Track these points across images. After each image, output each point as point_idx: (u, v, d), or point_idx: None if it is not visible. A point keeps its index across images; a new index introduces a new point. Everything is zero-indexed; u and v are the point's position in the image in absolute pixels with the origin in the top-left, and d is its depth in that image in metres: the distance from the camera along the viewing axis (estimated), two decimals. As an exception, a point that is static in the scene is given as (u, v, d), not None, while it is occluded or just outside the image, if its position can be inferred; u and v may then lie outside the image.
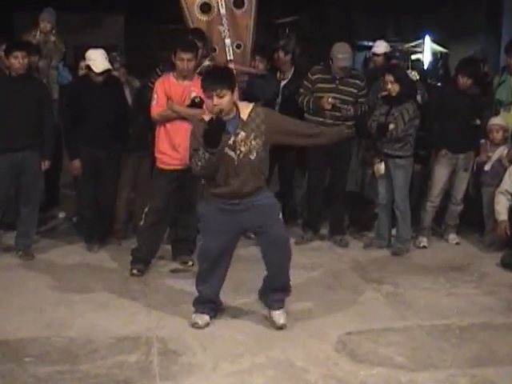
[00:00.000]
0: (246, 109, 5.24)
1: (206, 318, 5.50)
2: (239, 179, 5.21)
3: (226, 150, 5.16)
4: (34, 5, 8.69)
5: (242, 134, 5.13)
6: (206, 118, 5.16)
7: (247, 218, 5.32)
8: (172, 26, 7.87)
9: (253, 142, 5.17)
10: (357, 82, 7.47)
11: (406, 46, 22.51)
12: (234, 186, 5.22)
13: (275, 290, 5.59)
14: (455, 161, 7.62)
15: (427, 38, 23.80)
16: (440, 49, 23.04)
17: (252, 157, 5.18)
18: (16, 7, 18.49)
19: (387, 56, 8.55)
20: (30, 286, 6.27)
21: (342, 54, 7.31)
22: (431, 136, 7.70)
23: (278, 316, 5.50)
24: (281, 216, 5.48)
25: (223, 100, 5.09)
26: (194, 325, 5.42)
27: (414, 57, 22.26)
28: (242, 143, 5.14)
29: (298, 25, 27.12)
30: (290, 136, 5.50)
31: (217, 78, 5.22)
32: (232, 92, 5.15)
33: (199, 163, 5.05)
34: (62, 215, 8.48)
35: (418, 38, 24.14)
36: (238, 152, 5.15)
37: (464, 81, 7.48)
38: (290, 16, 27.96)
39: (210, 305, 5.57)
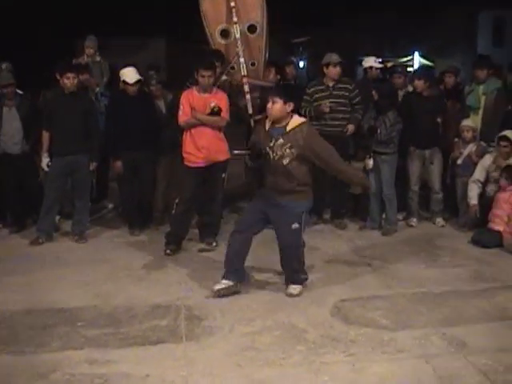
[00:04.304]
0: (294, 122, 5.31)
1: (230, 283, 5.42)
2: (273, 177, 5.34)
3: (267, 149, 5.30)
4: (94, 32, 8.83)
5: (281, 140, 5.23)
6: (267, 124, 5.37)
7: (272, 212, 5.36)
8: (205, 46, 7.89)
9: (287, 150, 5.24)
10: (347, 86, 7.44)
11: (399, 60, 22.47)
12: (269, 181, 5.38)
13: (285, 270, 5.57)
14: (423, 155, 7.58)
15: (416, 54, 23.76)
16: (427, 63, 22.92)
17: (285, 162, 5.26)
18: (82, 34, 18.68)
19: (390, 70, 8.51)
20: (82, 264, 6.34)
21: (333, 55, 7.37)
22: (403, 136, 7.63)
23: (291, 288, 5.48)
24: (296, 225, 5.32)
25: (274, 106, 5.24)
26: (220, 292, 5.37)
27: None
28: (279, 148, 5.25)
29: (311, 43, 27.06)
30: (321, 162, 5.39)
31: (276, 89, 5.76)
32: (284, 103, 5.23)
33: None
34: (110, 206, 8.52)
35: (409, 54, 24.12)
36: (274, 154, 5.26)
37: (420, 84, 7.46)
38: (304, 36, 27.89)
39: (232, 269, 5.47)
